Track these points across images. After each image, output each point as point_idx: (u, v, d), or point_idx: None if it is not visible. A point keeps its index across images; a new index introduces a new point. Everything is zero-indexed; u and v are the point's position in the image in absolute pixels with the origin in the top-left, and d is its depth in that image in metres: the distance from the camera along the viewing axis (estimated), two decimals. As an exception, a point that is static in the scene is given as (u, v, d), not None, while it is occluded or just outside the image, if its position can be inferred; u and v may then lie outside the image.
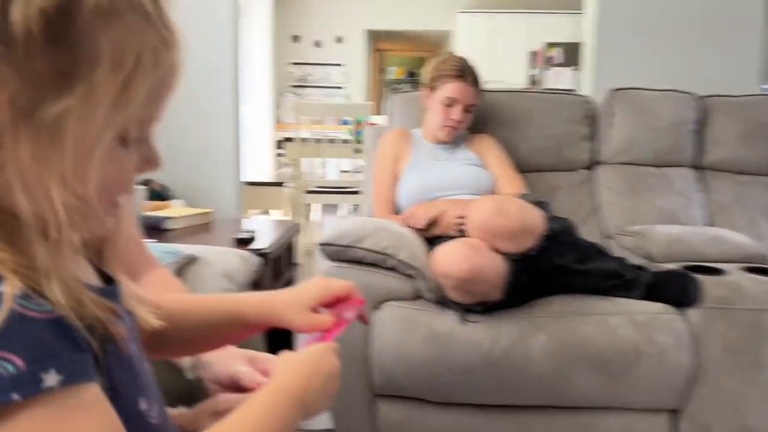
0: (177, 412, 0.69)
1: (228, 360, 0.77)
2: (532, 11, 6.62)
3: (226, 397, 0.71)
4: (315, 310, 0.68)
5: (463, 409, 1.54)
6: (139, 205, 1.85)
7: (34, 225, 0.43)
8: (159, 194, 2.65)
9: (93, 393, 0.43)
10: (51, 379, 0.40)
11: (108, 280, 0.54)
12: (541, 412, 1.55)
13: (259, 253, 1.62)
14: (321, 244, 1.56)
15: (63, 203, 0.43)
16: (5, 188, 0.42)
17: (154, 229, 1.88)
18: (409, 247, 1.56)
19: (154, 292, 0.91)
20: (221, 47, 2.92)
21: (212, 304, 0.68)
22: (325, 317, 0.67)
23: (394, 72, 10.13)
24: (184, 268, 1.32)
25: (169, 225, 1.89)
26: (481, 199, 1.60)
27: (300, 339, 0.69)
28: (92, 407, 0.42)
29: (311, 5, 7.01)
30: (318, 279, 0.71)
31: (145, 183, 2.82)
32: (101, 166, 0.44)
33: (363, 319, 0.73)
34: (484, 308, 1.51)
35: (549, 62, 6.15)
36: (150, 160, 0.51)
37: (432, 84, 1.97)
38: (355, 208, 4.12)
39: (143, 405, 0.50)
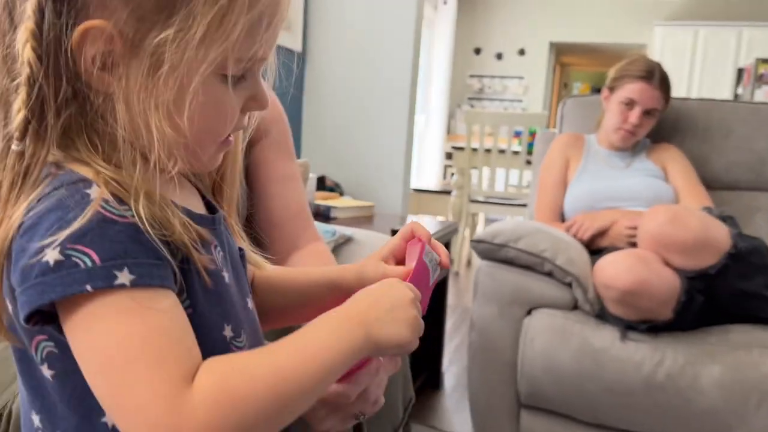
0: None
1: None
2: (742, 23, 6.02)
3: None
4: (391, 261, 0.66)
5: (613, 434, 1.43)
6: (311, 192, 1.98)
7: (131, 148, 0.46)
8: (331, 189, 2.80)
9: (166, 297, 0.44)
10: (123, 277, 0.42)
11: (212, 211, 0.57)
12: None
13: (412, 244, 1.63)
14: (473, 241, 1.54)
15: (159, 131, 0.45)
16: (112, 111, 0.46)
17: (321, 216, 2.00)
18: (568, 252, 1.48)
19: (311, 262, 0.96)
20: (402, 57, 3.01)
21: (315, 273, 0.69)
22: (396, 268, 0.64)
23: (579, 87, 9.78)
24: (339, 246, 1.38)
25: (334, 213, 2.01)
26: (657, 207, 1.48)
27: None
28: (164, 309, 0.44)
29: (494, 17, 7.00)
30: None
31: (320, 179, 3.01)
32: (201, 100, 0.46)
33: (441, 264, 0.68)
34: (649, 327, 1.38)
35: (760, 80, 5.54)
36: (257, 99, 0.52)
37: (613, 84, 1.86)
38: (522, 222, 4.01)
39: (228, 332, 0.51)
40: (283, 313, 0.68)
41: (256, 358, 0.45)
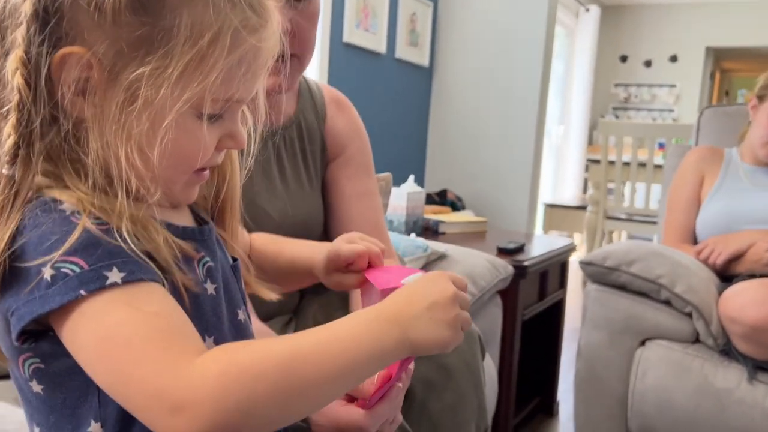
0: None
1: None
2: None
3: None
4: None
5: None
6: (420, 207, 1.96)
7: (105, 175, 0.47)
8: (452, 203, 2.77)
9: (159, 289, 0.45)
10: (114, 275, 0.43)
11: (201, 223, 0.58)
12: None
13: (517, 264, 1.56)
14: (582, 262, 1.44)
15: (129, 163, 0.46)
16: (85, 138, 0.47)
17: (430, 231, 1.97)
18: (689, 279, 1.34)
19: None
20: (531, 69, 2.93)
21: (295, 251, 0.72)
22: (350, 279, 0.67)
23: (744, 95, 8.92)
24: (431, 263, 1.35)
25: (443, 229, 1.97)
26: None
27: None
28: (159, 298, 0.45)
29: (643, 23, 6.59)
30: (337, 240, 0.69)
31: (441, 193, 2.99)
32: (172, 136, 0.47)
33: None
34: (784, 369, 1.21)
35: None
36: (233, 138, 0.52)
37: (763, 92, 1.66)
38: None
39: (209, 343, 0.51)
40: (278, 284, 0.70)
41: (277, 340, 0.45)
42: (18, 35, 0.44)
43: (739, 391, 1.23)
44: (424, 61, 3.01)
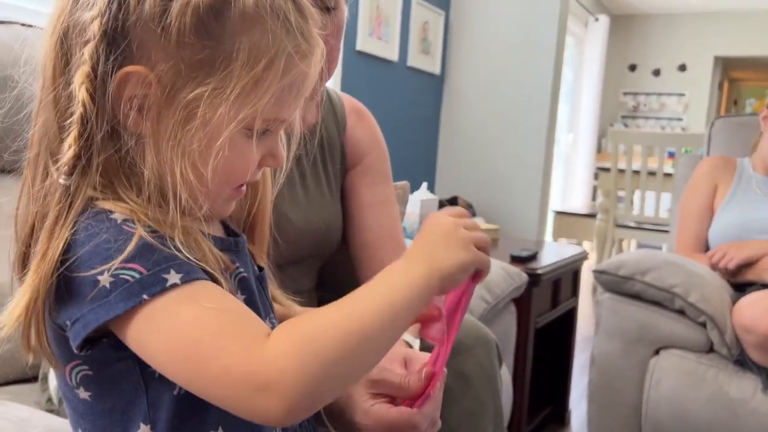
0: None
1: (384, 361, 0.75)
2: None
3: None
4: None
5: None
6: (427, 214, 1.96)
7: (159, 189, 0.49)
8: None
9: (214, 285, 0.47)
10: (173, 277, 0.45)
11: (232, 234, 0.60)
12: None
13: (530, 272, 1.57)
14: (595, 271, 1.44)
15: (184, 178, 0.48)
16: (142, 153, 0.49)
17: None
18: (703, 289, 1.34)
19: None
20: (541, 78, 2.94)
21: None
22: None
23: (752, 104, 8.89)
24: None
25: (455, 236, 1.96)
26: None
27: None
28: (219, 293, 0.47)
29: (651, 32, 6.59)
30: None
31: (452, 200, 3.00)
32: (226, 153, 0.49)
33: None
34: (799, 379, 1.21)
35: None
36: (273, 156, 0.54)
37: None
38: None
39: None
40: None
41: (329, 308, 0.48)
42: (86, 52, 0.46)
43: (753, 401, 1.23)
44: (436, 69, 3.02)
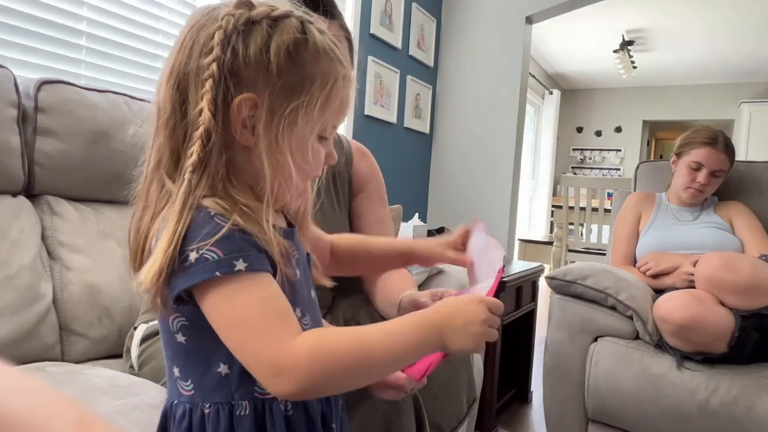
0: None
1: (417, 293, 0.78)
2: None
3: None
4: (458, 249, 0.69)
5: (674, 454, 1.26)
6: (423, 237, 1.99)
7: (253, 188, 0.50)
8: (447, 238, 2.80)
9: (270, 279, 0.49)
10: (240, 265, 0.47)
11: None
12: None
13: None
14: (547, 277, 1.47)
15: (283, 174, 0.50)
16: (246, 159, 0.51)
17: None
18: (630, 290, 1.37)
19: (396, 280, 0.97)
20: (508, 136, 3.00)
21: (387, 245, 0.72)
22: (464, 255, 0.69)
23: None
24: (432, 276, 1.38)
25: (441, 254, 1.99)
26: (711, 253, 1.32)
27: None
28: (270, 285, 0.48)
29: (594, 101, 6.70)
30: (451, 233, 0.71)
31: (439, 229, 3.03)
32: (310, 154, 0.52)
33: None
34: (705, 358, 1.23)
35: None
36: (330, 155, 0.57)
37: (680, 150, 1.71)
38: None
39: (297, 313, 0.53)
40: (362, 269, 0.72)
41: (351, 332, 0.48)
42: (207, 85, 0.49)
43: (670, 375, 1.24)
44: (426, 129, 3.09)
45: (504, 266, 0.64)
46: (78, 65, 1.33)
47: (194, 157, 0.48)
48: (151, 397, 0.70)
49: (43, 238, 1.00)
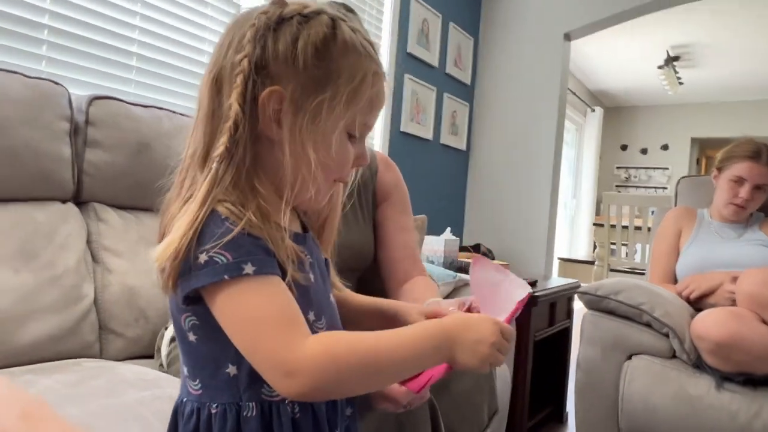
0: None
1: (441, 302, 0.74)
2: None
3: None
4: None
5: (715, 481, 1.19)
6: (455, 251, 1.99)
7: (275, 187, 0.50)
8: (484, 254, 2.77)
9: (278, 281, 0.48)
10: (248, 268, 0.47)
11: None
12: None
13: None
14: (578, 292, 1.43)
15: (301, 170, 0.49)
16: (269, 154, 0.50)
17: (464, 270, 1.98)
18: (665, 306, 1.31)
19: (420, 288, 0.97)
20: (546, 154, 2.97)
21: (367, 303, 0.69)
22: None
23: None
24: (459, 288, 1.37)
25: (473, 268, 1.97)
26: (752, 269, 1.25)
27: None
28: (278, 288, 0.48)
29: (638, 118, 6.51)
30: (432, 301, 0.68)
31: (475, 246, 3.00)
32: (336, 148, 0.51)
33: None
34: (746, 379, 1.16)
35: None
36: (361, 157, 0.56)
37: (721, 164, 1.65)
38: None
39: (311, 316, 0.53)
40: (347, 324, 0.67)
41: (362, 337, 0.48)
42: (238, 79, 0.50)
43: (708, 397, 1.18)
44: (462, 146, 3.08)
45: (527, 299, 0.60)
46: (128, 84, 1.42)
47: (221, 149, 0.49)
48: (174, 391, 0.72)
49: (88, 242, 1.06)
